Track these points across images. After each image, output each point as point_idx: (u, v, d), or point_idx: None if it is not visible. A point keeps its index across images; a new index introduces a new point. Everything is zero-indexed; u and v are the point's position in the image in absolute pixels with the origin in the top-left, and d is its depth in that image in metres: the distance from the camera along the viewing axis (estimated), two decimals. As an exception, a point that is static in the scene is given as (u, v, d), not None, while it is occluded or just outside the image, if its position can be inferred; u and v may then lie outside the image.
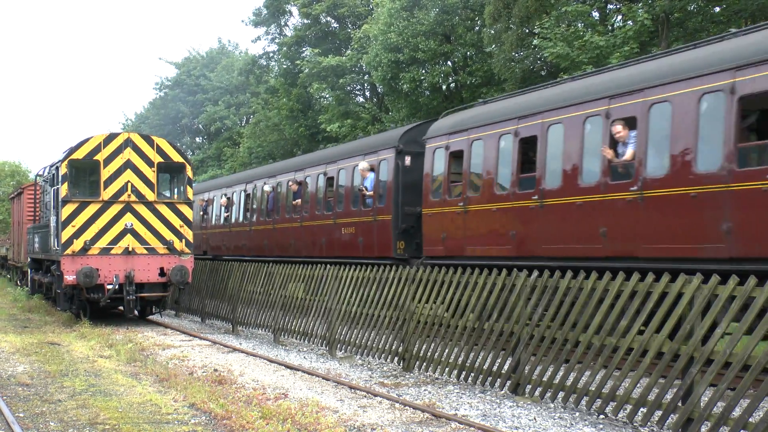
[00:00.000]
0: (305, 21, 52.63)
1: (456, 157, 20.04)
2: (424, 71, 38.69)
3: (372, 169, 23.39)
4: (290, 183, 28.15)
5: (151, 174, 22.94)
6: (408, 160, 22.51)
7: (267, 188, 30.15)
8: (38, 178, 29.64)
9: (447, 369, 13.96)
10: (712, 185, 13.20)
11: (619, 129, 15.02)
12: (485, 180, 18.89)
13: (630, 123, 15.00)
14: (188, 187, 23.69)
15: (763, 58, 12.60)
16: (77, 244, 21.99)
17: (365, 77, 47.67)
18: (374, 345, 16.01)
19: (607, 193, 15.23)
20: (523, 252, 17.37)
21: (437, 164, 20.78)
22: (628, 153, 14.86)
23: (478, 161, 19.22)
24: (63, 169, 22.38)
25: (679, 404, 9.64)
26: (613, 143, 15.19)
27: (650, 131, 14.56)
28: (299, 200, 27.72)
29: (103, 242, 22.27)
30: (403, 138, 22.85)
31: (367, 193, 23.30)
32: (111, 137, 22.79)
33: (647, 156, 14.56)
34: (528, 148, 17.82)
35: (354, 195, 24.19)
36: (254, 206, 31.71)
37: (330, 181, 25.95)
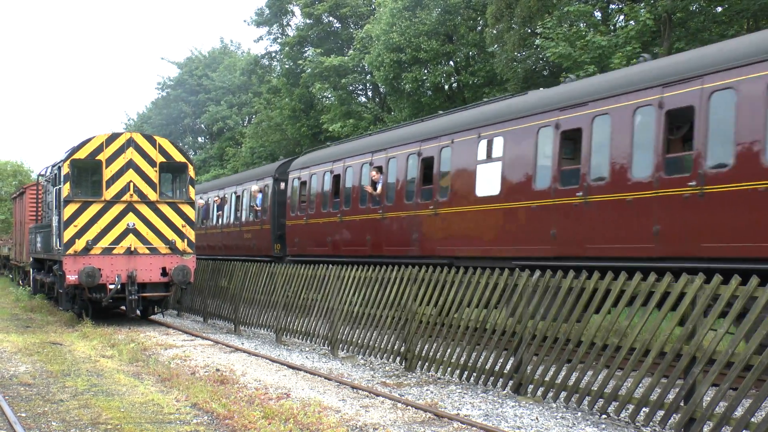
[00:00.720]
0: (307, 21, 52.62)
1: (303, 184, 27.87)
2: (426, 71, 38.72)
3: (261, 191, 31.32)
4: (215, 198, 36.97)
5: (153, 174, 22.94)
6: (282, 185, 30.23)
7: (200, 201, 37.30)
8: (40, 177, 29.66)
9: (449, 369, 13.96)
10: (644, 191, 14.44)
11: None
12: (317, 202, 26.74)
13: (576, 134, 16.20)
14: (190, 187, 23.69)
15: (686, 77, 13.92)
16: (79, 244, 22.00)
17: (367, 77, 47.66)
18: (376, 345, 16.02)
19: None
20: (336, 252, 25.03)
21: (293, 189, 28.62)
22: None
23: (313, 188, 27.17)
24: (65, 169, 22.38)
25: (682, 404, 9.64)
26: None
27: (593, 141, 15.63)
28: (220, 213, 36.28)
29: (105, 242, 22.27)
30: (279, 169, 30.81)
31: (257, 209, 31.40)
32: (113, 137, 22.79)
33: (590, 164, 15.83)
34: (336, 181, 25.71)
35: (249, 209, 32.39)
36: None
37: (238, 198, 34.19)
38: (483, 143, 18.75)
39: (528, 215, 17.25)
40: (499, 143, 18.29)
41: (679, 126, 14.91)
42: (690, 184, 13.84)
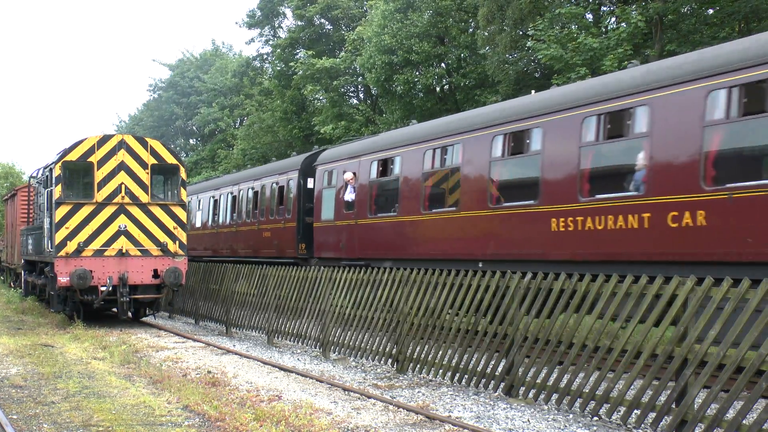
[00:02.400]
0: (299, 23, 52.73)
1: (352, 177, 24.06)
2: (418, 73, 38.77)
3: (280, 186, 29.53)
4: (231, 192, 34.74)
5: (144, 176, 22.92)
6: (309, 181, 27.64)
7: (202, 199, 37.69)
8: (32, 179, 29.63)
9: (441, 371, 13.96)
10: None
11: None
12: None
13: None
14: (182, 188, 23.67)
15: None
16: (71, 246, 21.96)
17: (359, 79, 47.72)
18: (368, 347, 16.01)
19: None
20: (350, 255, 23.54)
21: (322, 185, 25.92)
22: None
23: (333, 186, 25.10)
24: (57, 171, 22.34)
25: (673, 406, 9.65)
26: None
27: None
28: (234, 210, 34.22)
29: (96, 244, 22.23)
30: (306, 161, 28.18)
31: (349, 201, 24.96)
32: (105, 139, 22.76)
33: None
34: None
35: (271, 206, 30.36)
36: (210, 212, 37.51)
37: (256, 194, 31.83)
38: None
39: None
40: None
41: None
42: None
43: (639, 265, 13.97)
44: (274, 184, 29.86)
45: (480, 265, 18.00)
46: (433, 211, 19.99)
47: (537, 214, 16.43)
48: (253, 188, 32.04)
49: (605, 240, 14.82)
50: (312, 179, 27.06)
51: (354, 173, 23.73)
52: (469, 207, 18.59)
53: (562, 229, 15.73)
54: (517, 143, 17.57)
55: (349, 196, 23.82)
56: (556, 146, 16.12)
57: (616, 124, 14.98)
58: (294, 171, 28.42)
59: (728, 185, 12.77)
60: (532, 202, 16.67)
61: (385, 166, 22.56)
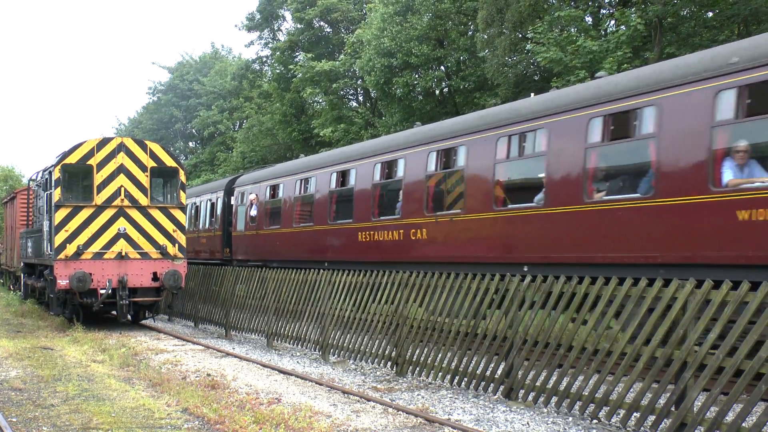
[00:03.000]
0: (298, 26, 52.72)
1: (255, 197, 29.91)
2: (417, 76, 38.76)
3: (212, 203, 34.96)
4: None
5: (144, 179, 22.92)
6: (231, 198, 33.18)
7: None
8: (31, 182, 29.61)
9: (440, 373, 13.96)
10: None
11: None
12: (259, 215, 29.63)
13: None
14: (181, 191, 23.67)
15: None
16: (70, 249, 21.95)
17: (358, 82, 47.72)
18: (367, 349, 16.01)
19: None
20: (254, 257, 29.30)
21: (237, 202, 31.92)
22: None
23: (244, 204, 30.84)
24: (56, 174, 22.34)
25: (672, 409, 9.65)
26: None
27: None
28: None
29: (96, 247, 22.23)
30: (228, 184, 33.86)
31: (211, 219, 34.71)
32: (104, 142, 22.76)
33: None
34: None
35: (206, 218, 35.87)
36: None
37: (197, 209, 37.11)
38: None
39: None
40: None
41: None
42: None
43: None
44: (208, 201, 35.79)
45: (326, 265, 23.56)
46: (301, 225, 25.95)
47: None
48: (195, 203, 37.51)
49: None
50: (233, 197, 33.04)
51: (256, 195, 29.89)
52: (319, 223, 24.67)
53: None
54: (390, 169, 21.49)
55: (253, 211, 29.95)
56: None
57: None
58: (221, 191, 34.50)
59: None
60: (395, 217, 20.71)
61: (274, 190, 28.55)
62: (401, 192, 20.42)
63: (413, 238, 19.78)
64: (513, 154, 17.11)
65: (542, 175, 15.92)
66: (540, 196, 15.96)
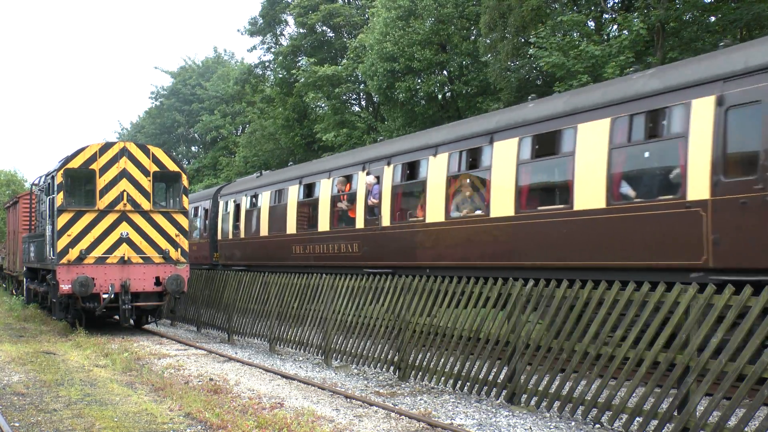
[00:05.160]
0: (301, 30, 52.73)
1: (236, 206, 33.06)
2: (419, 81, 38.73)
3: (205, 210, 36.61)
4: None
5: (146, 183, 22.94)
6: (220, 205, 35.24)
7: None
8: (34, 187, 29.63)
9: (443, 378, 13.95)
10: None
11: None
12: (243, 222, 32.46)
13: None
14: (184, 196, 23.68)
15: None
16: (73, 254, 21.96)
17: (361, 86, 47.71)
18: (370, 354, 16.00)
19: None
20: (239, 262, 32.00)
21: (222, 211, 34.67)
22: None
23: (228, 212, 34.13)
24: (59, 179, 22.36)
25: (675, 413, 9.65)
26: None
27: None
28: None
29: (98, 251, 22.25)
30: (216, 193, 36.12)
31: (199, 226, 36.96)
32: (107, 146, 22.79)
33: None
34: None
35: (197, 225, 37.64)
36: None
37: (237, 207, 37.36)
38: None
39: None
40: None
41: None
42: None
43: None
44: (201, 208, 37.31)
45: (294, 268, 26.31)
46: (273, 233, 29.04)
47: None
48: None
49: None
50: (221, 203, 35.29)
51: (237, 204, 32.80)
52: (279, 232, 28.72)
53: None
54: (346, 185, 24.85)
55: (234, 219, 32.99)
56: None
57: None
58: (209, 199, 36.34)
59: None
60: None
61: (252, 200, 31.44)
62: (355, 204, 23.64)
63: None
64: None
65: None
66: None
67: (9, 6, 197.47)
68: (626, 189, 15.03)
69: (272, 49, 58.24)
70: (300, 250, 26.82)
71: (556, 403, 11.62)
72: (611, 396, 10.58)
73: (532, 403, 12.02)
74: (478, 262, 18.34)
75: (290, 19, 55.87)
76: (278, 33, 58.59)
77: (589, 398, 10.95)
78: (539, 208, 16.96)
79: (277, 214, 28.83)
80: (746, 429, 8.85)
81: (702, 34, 27.91)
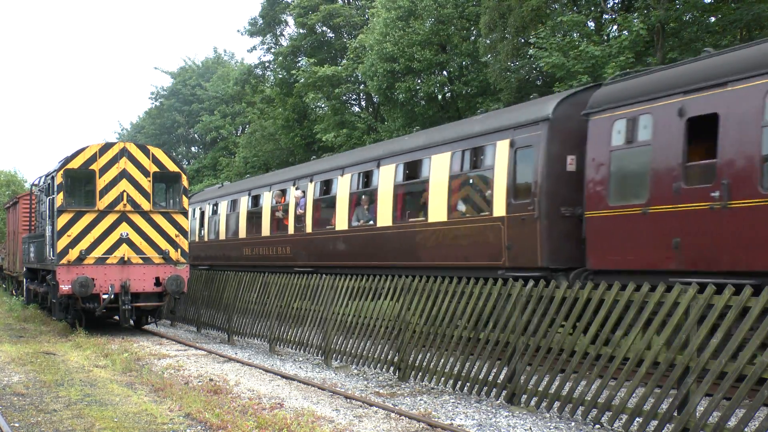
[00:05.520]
0: (301, 31, 52.69)
1: (201, 213, 36.07)
2: (419, 81, 38.72)
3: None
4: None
5: (146, 183, 22.94)
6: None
7: None
8: (34, 187, 29.63)
9: (443, 379, 13.96)
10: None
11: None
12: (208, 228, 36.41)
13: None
14: (184, 196, 23.68)
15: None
16: (73, 254, 21.97)
17: (361, 87, 47.69)
18: (370, 354, 16.01)
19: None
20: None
21: (190, 217, 34.65)
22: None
23: (195, 219, 36.91)
24: (58, 179, 22.36)
25: (675, 414, 9.65)
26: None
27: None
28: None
29: (98, 252, 22.25)
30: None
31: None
32: (107, 147, 22.79)
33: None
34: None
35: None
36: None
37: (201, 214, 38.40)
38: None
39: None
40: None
41: None
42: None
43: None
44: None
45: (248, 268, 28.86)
46: (229, 237, 33.16)
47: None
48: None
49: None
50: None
51: (203, 211, 35.79)
52: (233, 236, 33.05)
53: None
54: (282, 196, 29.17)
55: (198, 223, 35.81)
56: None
57: None
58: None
59: None
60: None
61: (214, 208, 35.22)
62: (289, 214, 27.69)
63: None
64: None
65: None
66: None
67: (9, 6, 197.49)
68: (460, 206, 19.41)
69: (272, 50, 58.23)
70: (249, 252, 31.18)
71: (556, 404, 11.63)
72: (611, 396, 10.59)
73: (532, 403, 12.02)
74: (369, 263, 22.64)
75: (290, 20, 55.86)
76: (278, 33, 58.59)
77: (589, 398, 10.95)
78: (409, 220, 21.33)
79: (232, 221, 33.18)
80: (746, 429, 8.86)
81: (702, 34, 27.91)
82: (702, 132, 13.78)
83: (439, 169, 19.97)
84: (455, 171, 19.54)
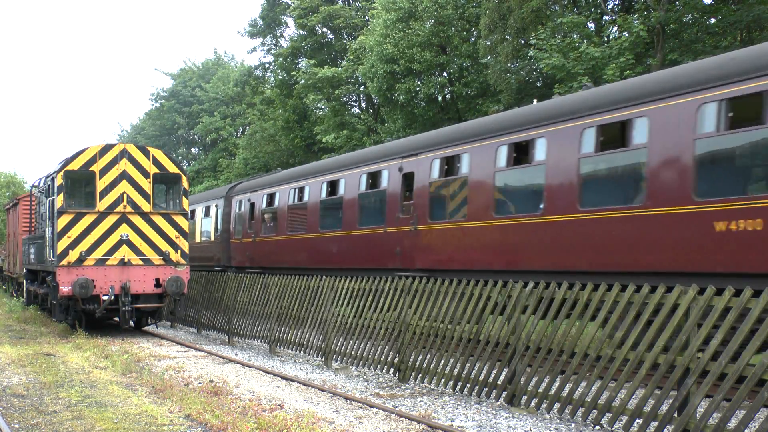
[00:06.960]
0: (301, 32, 52.77)
1: (251, 206, 32.87)
2: (419, 82, 38.75)
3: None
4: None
5: (146, 185, 22.93)
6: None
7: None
8: (34, 189, 29.62)
9: (443, 380, 13.95)
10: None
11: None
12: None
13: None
14: (184, 198, 23.68)
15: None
16: (73, 255, 21.96)
17: (361, 88, 47.73)
18: (370, 356, 16.01)
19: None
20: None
21: (235, 210, 34.55)
22: None
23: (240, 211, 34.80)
24: (59, 180, 22.35)
25: (675, 415, 9.64)
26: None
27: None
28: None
29: (98, 253, 22.24)
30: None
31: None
32: (107, 148, 22.78)
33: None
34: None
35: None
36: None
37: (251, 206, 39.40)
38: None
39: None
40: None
41: None
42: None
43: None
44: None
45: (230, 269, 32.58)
46: (203, 239, 36.60)
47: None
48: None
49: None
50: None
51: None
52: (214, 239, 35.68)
53: None
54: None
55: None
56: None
57: None
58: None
59: None
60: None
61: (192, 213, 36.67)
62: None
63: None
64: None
65: None
66: None
67: (9, 7, 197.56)
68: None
69: (272, 51, 58.31)
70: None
71: (556, 405, 11.62)
72: (611, 398, 10.58)
73: (532, 404, 12.01)
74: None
75: (290, 21, 55.97)
76: (278, 35, 58.67)
77: (589, 400, 10.95)
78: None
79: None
80: (746, 430, 8.85)
81: (702, 35, 27.94)
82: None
83: (350, 188, 24.05)
84: (361, 189, 23.56)
